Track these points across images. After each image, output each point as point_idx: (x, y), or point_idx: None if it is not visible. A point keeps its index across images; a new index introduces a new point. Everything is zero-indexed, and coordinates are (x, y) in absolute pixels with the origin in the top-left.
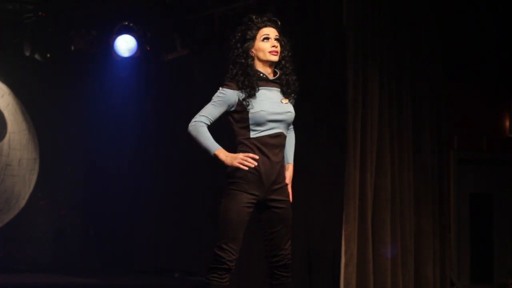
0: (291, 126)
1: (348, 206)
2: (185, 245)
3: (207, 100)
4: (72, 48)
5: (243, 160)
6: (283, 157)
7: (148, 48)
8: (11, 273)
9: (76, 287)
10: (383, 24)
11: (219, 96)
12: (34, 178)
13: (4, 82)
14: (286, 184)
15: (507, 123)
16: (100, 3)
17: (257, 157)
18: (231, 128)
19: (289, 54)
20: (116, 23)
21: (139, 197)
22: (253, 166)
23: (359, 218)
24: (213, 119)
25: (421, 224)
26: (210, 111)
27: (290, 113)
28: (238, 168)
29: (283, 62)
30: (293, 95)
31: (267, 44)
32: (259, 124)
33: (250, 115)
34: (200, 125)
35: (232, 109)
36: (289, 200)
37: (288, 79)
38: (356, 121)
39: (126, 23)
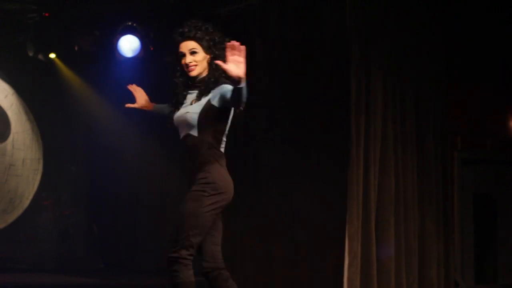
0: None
1: (351, 206)
2: None
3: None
4: (76, 48)
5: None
6: (201, 164)
7: (152, 48)
8: (15, 272)
9: (79, 287)
10: (386, 24)
11: None
12: (37, 178)
13: (8, 82)
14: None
15: (511, 124)
16: (103, 3)
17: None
18: None
19: (219, 47)
20: (119, 23)
21: (142, 197)
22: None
23: (363, 219)
24: None
25: (425, 225)
26: None
27: (188, 113)
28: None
29: (211, 64)
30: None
31: (184, 61)
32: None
33: None
34: None
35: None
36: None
37: (205, 83)
38: (360, 122)
39: (130, 23)
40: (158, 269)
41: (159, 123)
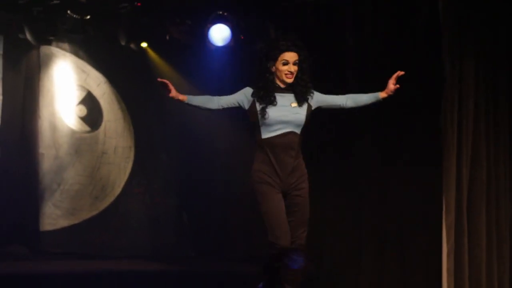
0: (345, 96)
1: (448, 196)
2: None
3: None
4: (167, 37)
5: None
6: (297, 153)
7: (242, 38)
8: (107, 259)
9: (170, 275)
10: (478, 11)
11: (242, 90)
12: (129, 166)
13: (100, 71)
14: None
15: None
16: None
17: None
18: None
19: (307, 66)
20: (210, 12)
21: (233, 184)
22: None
23: (456, 209)
24: (224, 102)
25: None
26: (227, 96)
27: (298, 114)
28: (257, 162)
29: (299, 74)
30: (307, 100)
31: (285, 67)
32: (267, 125)
33: (259, 116)
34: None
35: (245, 107)
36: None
37: (301, 90)
38: (453, 110)
39: (221, 12)
40: (249, 257)
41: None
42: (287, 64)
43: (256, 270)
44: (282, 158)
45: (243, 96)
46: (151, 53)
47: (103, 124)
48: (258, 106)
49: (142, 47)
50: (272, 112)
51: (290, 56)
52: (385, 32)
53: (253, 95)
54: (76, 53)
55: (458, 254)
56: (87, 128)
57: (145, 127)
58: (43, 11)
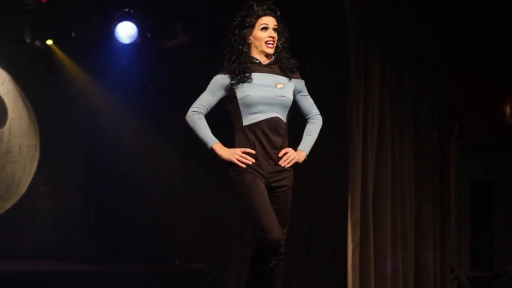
0: (314, 114)
1: (353, 193)
2: (186, 232)
3: None
4: (73, 34)
5: (241, 157)
6: (283, 142)
7: (149, 35)
8: (11, 260)
9: (76, 274)
10: (384, 10)
11: (211, 83)
12: (34, 165)
13: (5, 69)
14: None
15: (508, 110)
16: None
17: (253, 152)
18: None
19: (287, 40)
20: (116, 10)
21: (140, 184)
22: (250, 163)
23: (361, 205)
24: (209, 107)
25: (421, 211)
26: (206, 99)
27: (284, 97)
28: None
29: (280, 47)
30: (292, 76)
31: (265, 33)
32: (248, 108)
33: (239, 100)
34: (197, 117)
35: (227, 94)
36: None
37: (286, 64)
38: (359, 109)
39: (127, 10)
40: (156, 256)
41: (157, 110)
42: (267, 29)
43: (162, 270)
44: (266, 147)
45: (219, 88)
46: (57, 50)
47: (7, 122)
48: (235, 87)
49: (47, 45)
50: (253, 92)
51: (269, 20)
52: (292, 28)
53: (227, 76)
54: None
55: (363, 250)
56: None
57: (51, 126)
58: None
